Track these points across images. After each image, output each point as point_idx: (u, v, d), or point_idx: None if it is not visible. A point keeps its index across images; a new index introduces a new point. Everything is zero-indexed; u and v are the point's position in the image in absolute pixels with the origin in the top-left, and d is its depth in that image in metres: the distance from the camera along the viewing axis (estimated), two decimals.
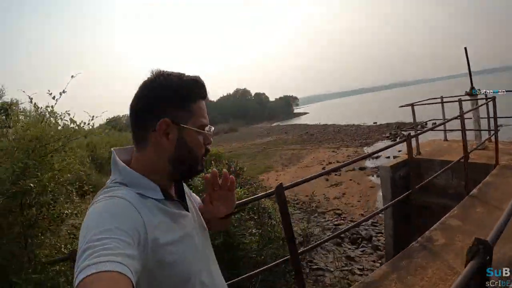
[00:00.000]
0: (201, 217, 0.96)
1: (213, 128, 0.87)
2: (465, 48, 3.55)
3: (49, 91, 3.19)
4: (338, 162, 14.50)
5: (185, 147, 0.80)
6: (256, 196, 2.95)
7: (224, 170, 0.96)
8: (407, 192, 3.34)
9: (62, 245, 3.02)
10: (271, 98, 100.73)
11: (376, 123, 31.68)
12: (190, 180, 0.91)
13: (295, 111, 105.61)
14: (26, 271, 2.57)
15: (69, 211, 3.26)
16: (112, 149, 0.83)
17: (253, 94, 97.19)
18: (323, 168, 13.71)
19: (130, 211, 0.68)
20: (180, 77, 0.81)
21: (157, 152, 0.80)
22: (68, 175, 3.25)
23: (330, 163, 15.32)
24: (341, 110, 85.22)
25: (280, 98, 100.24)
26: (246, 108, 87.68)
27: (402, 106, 6.49)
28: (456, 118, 4.25)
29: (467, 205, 3.64)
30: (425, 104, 6.49)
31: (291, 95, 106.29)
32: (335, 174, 12.67)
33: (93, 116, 3.32)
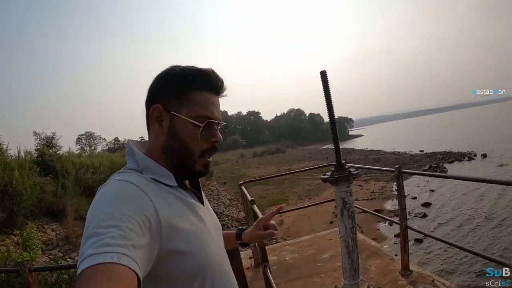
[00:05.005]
0: (216, 216, 0.92)
1: (223, 124, 0.81)
2: (322, 73, 2.18)
3: None
4: (357, 200, 12.54)
5: (176, 137, 0.75)
6: None
7: (272, 222, 1.05)
8: None
9: None
10: (326, 119, 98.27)
11: (422, 151, 27.64)
12: (191, 179, 0.82)
13: (350, 133, 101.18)
14: None
15: None
16: (127, 139, 0.82)
17: (307, 115, 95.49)
18: (336, 207, 11.79)
19: (139, 197, 0.63)
20: (186, 67, 0.77)
21: (155, 139, 0.77)
22: None
23: None
24: (395, 134, 79.31)
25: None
26: (299, 128, 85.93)
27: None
28: None
29: None
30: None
31: (346, 116, 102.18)
32: None
33: None
